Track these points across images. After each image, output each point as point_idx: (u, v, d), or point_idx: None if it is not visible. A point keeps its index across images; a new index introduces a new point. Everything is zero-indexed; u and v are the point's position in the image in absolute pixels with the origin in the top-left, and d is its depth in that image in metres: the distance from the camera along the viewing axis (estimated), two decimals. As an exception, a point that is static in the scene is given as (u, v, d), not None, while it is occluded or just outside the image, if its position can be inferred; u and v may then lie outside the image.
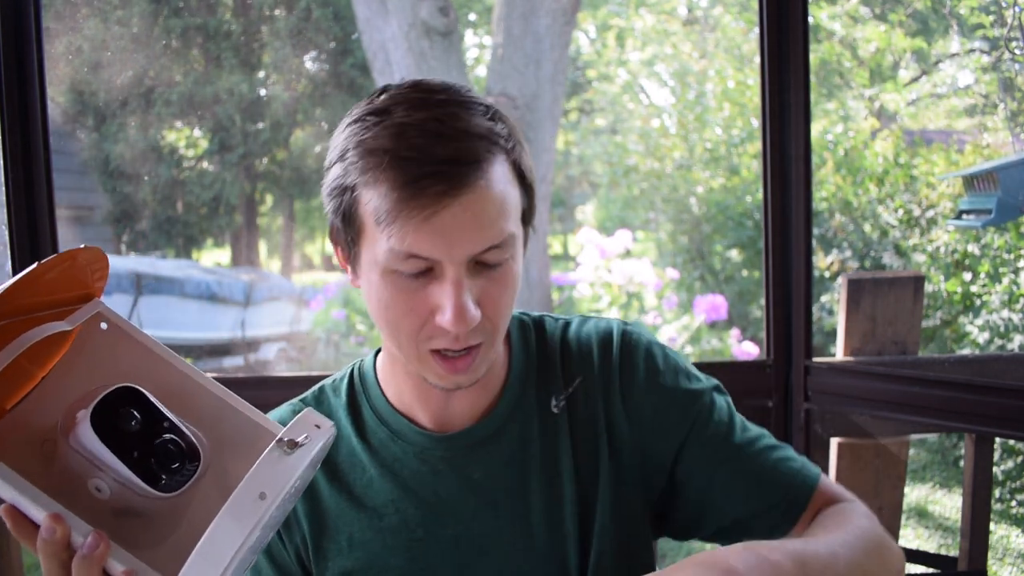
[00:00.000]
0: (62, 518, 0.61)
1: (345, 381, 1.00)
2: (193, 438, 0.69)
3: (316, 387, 1.01)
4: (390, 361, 0.96)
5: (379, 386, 0.97)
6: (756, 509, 0.92)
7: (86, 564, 0.61)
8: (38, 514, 0.62)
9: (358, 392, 0.98)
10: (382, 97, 0.83)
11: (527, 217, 0.88)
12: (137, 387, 0.68)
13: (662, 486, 0.95)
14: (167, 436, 0.69)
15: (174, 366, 0.74)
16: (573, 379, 0.95)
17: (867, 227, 5.48)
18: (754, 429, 0.98)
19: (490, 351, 0.86)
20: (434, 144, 0.78)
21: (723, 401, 0.98)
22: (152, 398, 0.68)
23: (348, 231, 0.84)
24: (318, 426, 0.68)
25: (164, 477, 0.67)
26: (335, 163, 0.83)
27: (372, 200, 0.80)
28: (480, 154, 0.79)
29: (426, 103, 0.80)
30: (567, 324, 1.00)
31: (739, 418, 0.98)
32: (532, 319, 1.00)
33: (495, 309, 0.83)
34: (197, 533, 0.62)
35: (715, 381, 0.99)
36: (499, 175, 0.81)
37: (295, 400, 1.00)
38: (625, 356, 0.95)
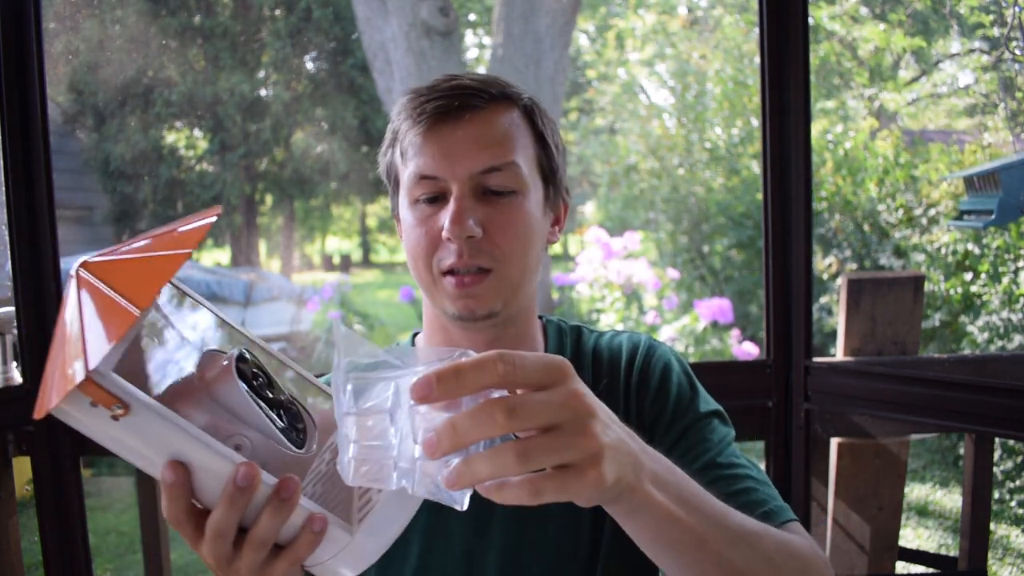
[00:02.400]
0: (256, 467, 0.59)
1: None
2: (300, 401, 0.72)
3: None
4: (427, 339, 1.03)
5: None
6: None
7: (282, 509, 0.60)
8: (223, 466, 0.59)
9: None
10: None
11: (548, 174, 0.97)
12: (251, 352, 0.69)
13: None
14: (284, 397, 0.71)
15: (243, 335, 0.74)
16: (599, 383, 0.99)
17: (867, 227, 5.48)
18: (745, 461, 0.94)
19: (503, 283, 0.92)
20: (450, 83, 0.93)
21: (722, 429, 0.96)
22: (263, 363, 0.70)
23: (391, 185, 1.00)
24: None
25: (292, 435, 0.69)
26: (386, 139, 1.00)
27: (402, 143, 0.95)
28: (488, 92, 0.93)
29: (466, 75, 0.96)
30: (601, 334, 1.06)
31: (733, 448, 0.95)
32: (570, 326, 1.07)
33: (502, 235, 0.91)
34: (329, 491, 0.65)
35: (720, 408, 0.99)
36: (506, 115, 0.94)
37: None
38: (646, 364, 1.00)
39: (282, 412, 0.70)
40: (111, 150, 8.34)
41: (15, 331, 1.79)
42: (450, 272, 0.91)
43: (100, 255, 0.61)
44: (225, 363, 0.67)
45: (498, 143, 0.92)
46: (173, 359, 0.71)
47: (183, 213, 9.22)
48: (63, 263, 1.80)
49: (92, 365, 0.53)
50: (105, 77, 7.95)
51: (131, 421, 0.57)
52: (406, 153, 0.94)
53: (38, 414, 0.57)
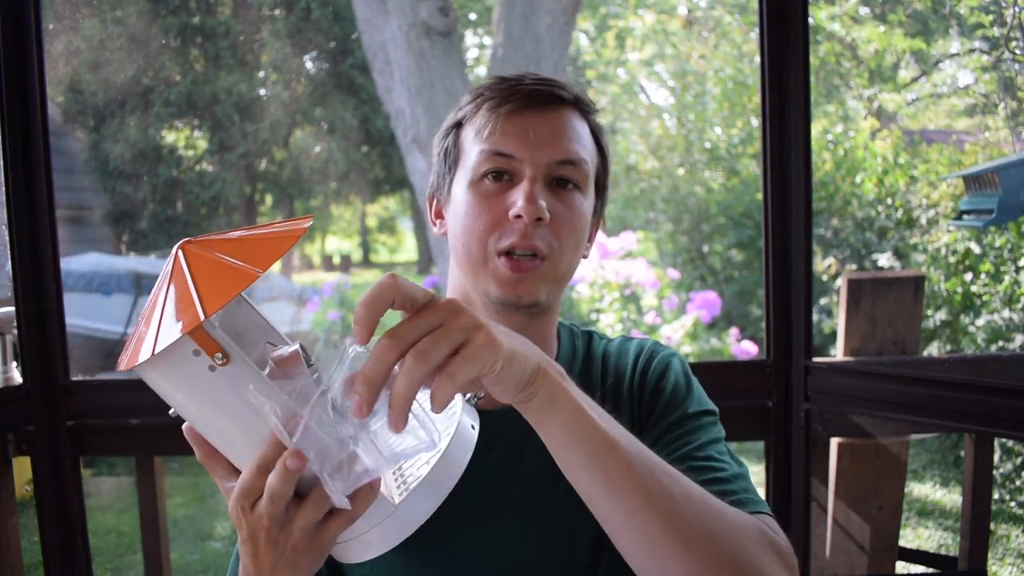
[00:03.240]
0: (305, 457, 0.65)
1: None
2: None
3: None
4: None
5: None
6: None
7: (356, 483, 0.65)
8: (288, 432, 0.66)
9: None
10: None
11: (600, 189, 1.01)
12: (305, 349, 0.76)
13: None
14: (324, 389, 0.76)
15: (280, 335, 0.80)
16: (606, 381, 1.01)
17: (867, 227, 5.48)
18: (727, 460, 0.91)
19: (550, 275, 0.93)
20: (530, 80, 0.96)
21: (711, 429, 0.95)
22: (312, 358, 0.76)
23: (447, 164, 1.00)
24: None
25: None
26: (450, 116, 1.01)
27: (474, 123, 0.97)
28: (566, 96, 0.97)
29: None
30: (611, 340, 1.08)
31: (719, 447, 0.93)
32: (581, 330, 1.09)
33: (560, 226, 0.93)
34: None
35: (713, 409, 0.98)
36: (582, 121, 0.98)
37: None
38: (647, 365, 1.02)
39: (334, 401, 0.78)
40: (111, 150, 8.33)
41: (15, 331, 1.79)
42: (507, 254, 0.92)
43: (201, 236, 0.69)
44: (294, 349, 0.74)
45: (577, 139, 0.95)
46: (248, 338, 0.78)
47: (183, 213, 9.22)
48: (63, 263, 1.81)
49: (208, 314, 0.60)
50: (105, 77, 7.94)
51: (228, 371, 0.64)
52: (482, 131, 0.94)
53: (128, 365, 0.64)
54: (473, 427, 0.74)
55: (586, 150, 0.97)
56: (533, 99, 0.95)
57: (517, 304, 0.93)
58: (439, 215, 1.03)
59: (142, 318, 0.68)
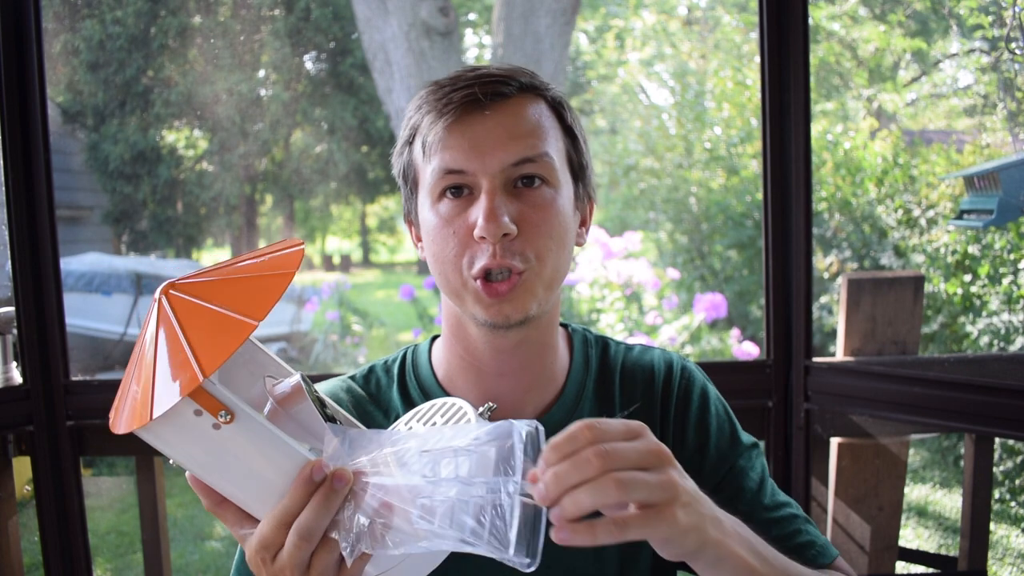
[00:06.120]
0: (346, 469, 0.66)
1: (397, 362, 1.01)
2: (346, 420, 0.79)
3: (365, 366, 1.03)
4: (445, 341, 0.97)
5: (431, 365, 0.98)
6: None
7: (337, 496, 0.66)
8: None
9: (408, 370, 0.99)
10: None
11: (577, 169, 0.92)
12: (306, 379, 0.75)
13: None
14: (331, 413, 0.76)
15: (279, 363, 0.78)
16: (632, 402, 0.97)
17: (867, 227, 5.48)
18: (783, 497, 0.97)
19: (535, 286, 0.87)
20: (474, 72, 0.88)
21: (760, 462, 0.98)
22: (316, 390, 0.75)
23: (408, 186, 0.93)
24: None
25: None
26: (402, 137, 0.93)
27: (420, 139, 0.89)
28: (517, 81, 0.88)
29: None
30: (629, 348, 1.03)
31: (772, 483, 0.97)
32: (595, 336, 1.03)
33: (534, 233, 0.86)
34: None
35: (756, 441, 1.00)
36: (535, 106, 0.89)
37: (345, 376, 1.01)
38: (684, 391, 0.98)
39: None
40: (110, 150, 8.33)
41: (15, 331, 1.79)
42: (483, 277, 0.85)
43: (184, 279, 0.66)
44: (296, 383, 0.72)
45: (529, 133, 0.87)
46: (243, 380, 0.76)
47: (183, 213, 9.21)
48: (63, 263, 1.81)
49: (207, 374, 0.58)
50: (105, 77, 7.94)
51: (235, 428, 0.62)
52: (429, 148, 0.87)
53: (125, 429, 0.61)
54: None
55: (545, 139, 0.88)
56: (471, 104, 0.85)
57: (507, 324, 0.87)
58: (418, 238, 0.95)
59: (130, 374, 0.64)
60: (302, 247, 0.70)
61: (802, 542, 0.91)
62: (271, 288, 0.64)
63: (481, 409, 0.77)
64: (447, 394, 0.95)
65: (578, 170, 0.93)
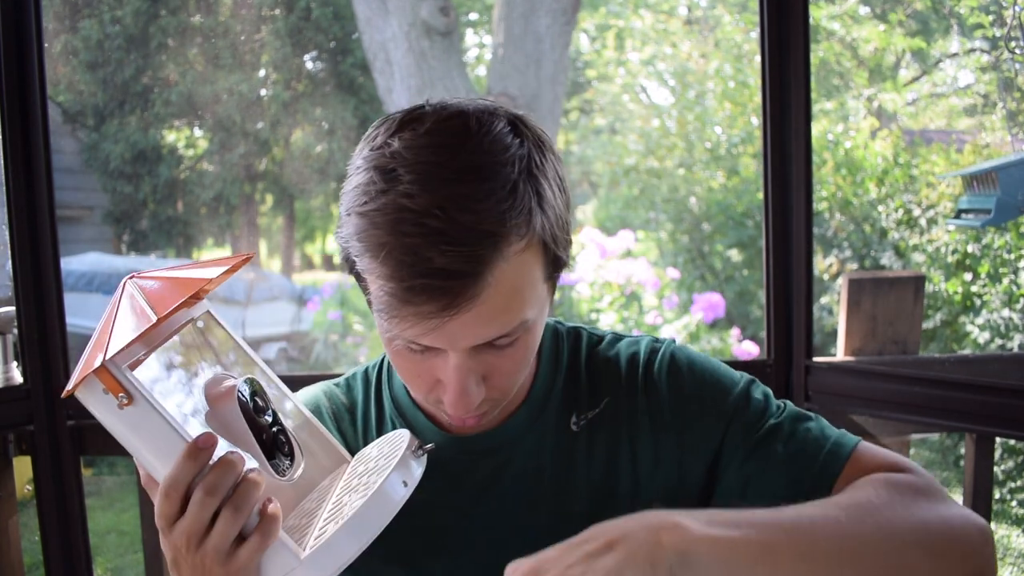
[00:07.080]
0: (215, 435, 0.70)
1: (375, 370, 0.99)
2: (292, 434, 0.81)
3: (351, 371, 1.01)
4: None
5: None
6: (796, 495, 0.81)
7: (228, 470, 0.69)
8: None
9: (383, 382, 0.97)
10: (396, 140, 0.74)
11: (555, 259, 0.79)
12: (259, 381, 0.79)
13: (698, 492, 0.91)
14: (276, 428, 0.79)
15: (258, 366, 0.83)
16: (599, 401, 0.92)
17: (867, 227, 5.48)
18: (786, 412, 0.90)
19: (500, 406, 0.86)
20: (431, 248, 0.69)
21: (758, 394, 0.90)
22: (268, 392, 0.79)
23: (360, 284, 0.79)
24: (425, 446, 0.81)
25: (274, 463, 0.78)
26: (343, 216, 0.77)
27: (373, 284, 0.74)
28: (485, 259, 0.70)
29: (438, 174, 0.71)
30: (599, 341, 0.96)
31: (773, 406, 0.90)
32: (567, 329, 0.97)
33: (504, 382, 0.81)
34: (302, 520, 0.75)
35: (748, 376, 0.92)
36: (511, 270, 0.73)
37: (328, 383, 1.00)
38: (649, 377, 0.92)
39: (278, 441, 0.79)
40: (110, 150, 8.33)
41: (15, 331, 1.79)
42: None
43: (149, 271, 0.72)
44: (229, 384, 0.76)
45: (504, 312, 0.74)
46: (194, 377, 0.79)
47: (183, 213, 9.21)
48: (63, 263, 1.81)
49: (109, 356, 0.63)
50: (104, 77, 7.94)
51: (133, 411, 0.67)
52: (383, 310, 0.74)
53: (65, 394, 0.68)
54: (405, 483, 0.73)
55: (525, 303, 0.75)
56: (436, 297, 0.70)
57: (474, 434, 0.89)
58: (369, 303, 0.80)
59: (90, 342, 0.71)
60: (239, 262, 0.75)
61: (814, 449, 0.84)
62: (181, 290, 0.69)
63: (415, 447, 0.78)
64: (419, 410, 0.94)
65: (555, 260, 0.79)
